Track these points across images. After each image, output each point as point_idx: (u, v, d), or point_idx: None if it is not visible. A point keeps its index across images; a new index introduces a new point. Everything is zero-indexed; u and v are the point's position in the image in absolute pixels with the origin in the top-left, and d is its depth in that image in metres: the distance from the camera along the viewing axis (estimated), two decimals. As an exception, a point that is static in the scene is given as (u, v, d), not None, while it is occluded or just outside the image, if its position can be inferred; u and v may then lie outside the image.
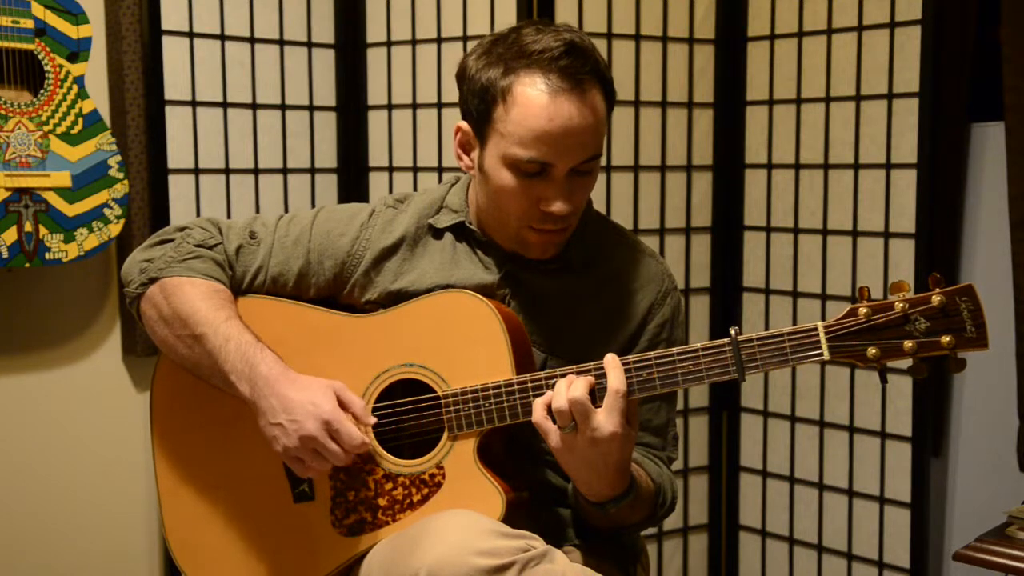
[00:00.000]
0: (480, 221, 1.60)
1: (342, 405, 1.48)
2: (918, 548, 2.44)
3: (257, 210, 2.52)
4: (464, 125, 1.54)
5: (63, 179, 2.16)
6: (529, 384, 1.44)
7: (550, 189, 1.47)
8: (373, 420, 1.51)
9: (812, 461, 2.63)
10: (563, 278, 1.60)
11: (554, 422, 1.39)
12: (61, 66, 2.15)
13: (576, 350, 1.55)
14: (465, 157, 1.56)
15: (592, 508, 1.46)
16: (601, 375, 1.40)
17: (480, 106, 1.49)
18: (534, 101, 1.44)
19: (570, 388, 1.38)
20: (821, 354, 1.34)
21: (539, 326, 1.56)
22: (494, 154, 1.49)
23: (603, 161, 2.50)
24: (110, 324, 2.40)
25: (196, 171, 2.43)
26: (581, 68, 1.45)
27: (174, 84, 2.38)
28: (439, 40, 2.51)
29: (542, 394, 1.42)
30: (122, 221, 2.25)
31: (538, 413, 1.40)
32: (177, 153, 2.39)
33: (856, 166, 2.49)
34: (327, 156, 2.64)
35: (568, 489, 1.54)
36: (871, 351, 1.32)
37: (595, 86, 1.47)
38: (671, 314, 1.62)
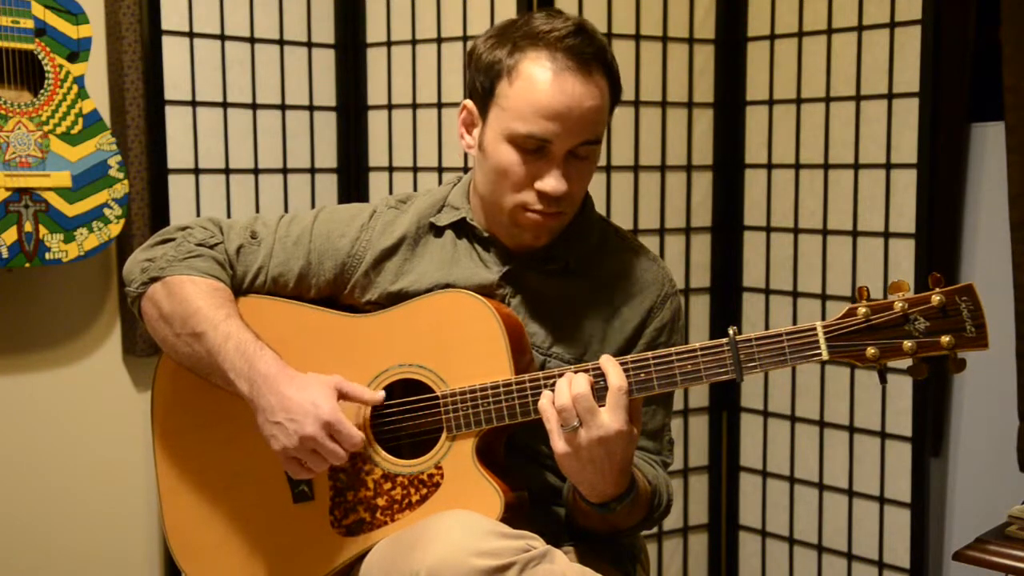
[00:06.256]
0: (480, 216, 1.60)
1: (345, 397, 1.48)
2: (918, 548, 2.44)
3: (257, 210, 2.52)
4: (468, 103, 1.55)
5: (63, 179, 2.16)
6: (528, 384, 1.44)
7: (546, 167, 1.48)
8: (381, 395, 1.50)
9: (812, 461, 2.62)
10: (563, 279, 1.59)
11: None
12: (61, 66, 2.15)
13: (574, 351, 1.56)
14: (467, 136, 1.57)
15: (593, 510, 1.46)
16: (599, 375, 1.40)
17: (485, 82, 1.50)
18: (538, 77, 1.45)
19: (572, 385, 1.38)
20: (820, 354, 1.33)
21: (538, 326, 1.56)
22: (495, 129, 1.49)
23: (603, 161, 2.53)
24: (110, 324, 2.40)
25: (196, 171, 2.43)
26: (587, 48, 1.46)
27: (174, 84, 2.38)
28: (439, 40, 2.51)
29: (540, 395, 1.42)
30: (122, 221, 2.25)
31: (547, 410, 1.39)
32: (177, 153, 2.39)
33: (856, 166, 2.49)
34: (327, 156, 2.64)
35: (564, 492, 1.54)
36: (870, 351, 1.32)
37: (601, 71, 1.48)
38: (670, 318, 1.62)
